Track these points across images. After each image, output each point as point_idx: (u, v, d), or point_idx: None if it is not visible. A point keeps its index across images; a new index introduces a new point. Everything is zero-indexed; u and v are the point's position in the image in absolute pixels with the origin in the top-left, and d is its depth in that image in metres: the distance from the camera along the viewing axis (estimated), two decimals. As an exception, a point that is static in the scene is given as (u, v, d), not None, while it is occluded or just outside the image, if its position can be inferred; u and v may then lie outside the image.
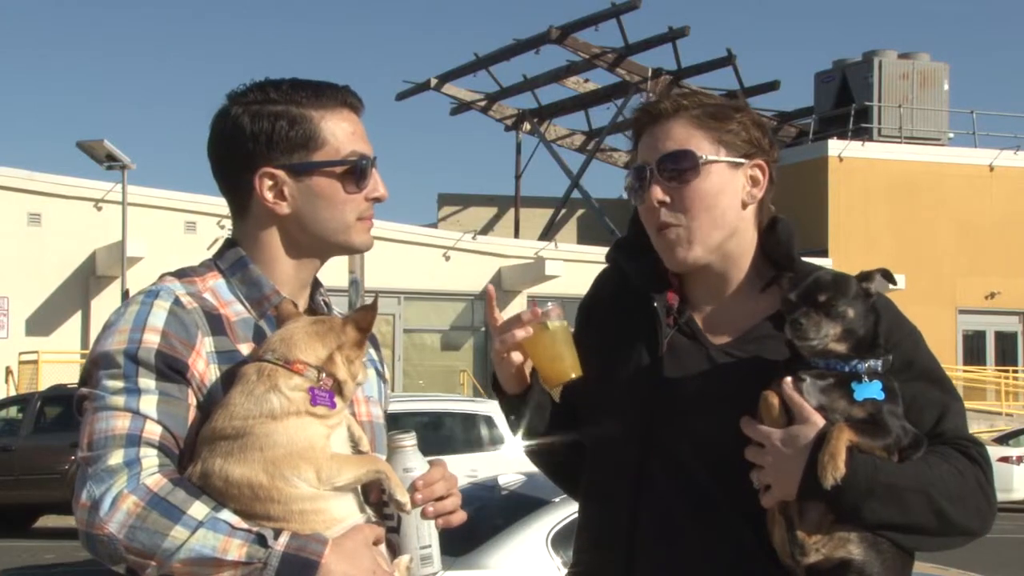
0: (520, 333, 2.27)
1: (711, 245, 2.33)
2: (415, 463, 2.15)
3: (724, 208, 2.32)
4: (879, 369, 2.19)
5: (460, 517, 2.20)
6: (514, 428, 2.43)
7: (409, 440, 2.16)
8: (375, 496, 2.12)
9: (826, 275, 2.24)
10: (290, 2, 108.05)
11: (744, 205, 2.35)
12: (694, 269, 2.36)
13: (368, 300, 2.19)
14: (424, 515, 2.14)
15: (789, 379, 2.19)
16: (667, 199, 2.32)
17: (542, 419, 2.39)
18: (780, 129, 38.69)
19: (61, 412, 17.93)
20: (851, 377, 2.18)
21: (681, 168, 2.30)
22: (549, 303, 2.29)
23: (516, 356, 2.31)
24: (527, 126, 40.97)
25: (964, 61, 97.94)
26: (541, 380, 2.32)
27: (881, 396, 2.17)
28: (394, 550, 2.13)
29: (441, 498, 2.16)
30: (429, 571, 2.14)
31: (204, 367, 2.10)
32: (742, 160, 2.34)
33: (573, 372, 2.29)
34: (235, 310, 2.18)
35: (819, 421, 2.15)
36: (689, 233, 2.32)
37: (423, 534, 2.14)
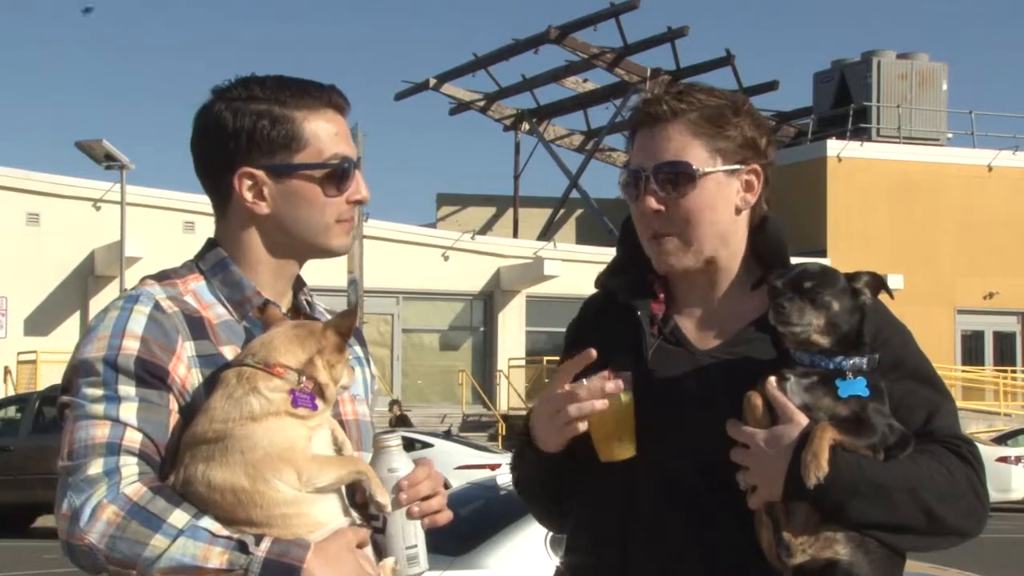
0: (599, 405, 2.19)
1: (705, 254, 2.32)
2: (400, 463, 2.13)
3: (718, 217, 2.31)
4: (864, 367, 2.18)
5: (446, 516, 2.18)
6: (529, 476, 2.39)
7: (394, 440, 2.14)
8: (360, 497, 2.11)
9: (814, 266, 2.24)
10: (290, 2, 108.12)
11: (738, 211, 2.34)
12: (684, 273, 2.36)
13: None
14: (409, 515, 2.12)
15: (772, 379, 2.18)
16: (662, 208, 2.31)
17: (561, 475, 2.35)
18: (779, 129, 38.68)
19: (60, 412, 17.92)
20: (835, 374, 2.17)
21: (677, 180, 2.29)
22: (618, 374, 2.20)
23: (583, 426, 2.22)
24: (526, 126, 40.97)
25: (963, 61, 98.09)
26: (598, 452, 2.25)
27: (866, 393, 2.16)
28: (380, 551, 2.12)
29: (427, 497, 2.14)
30: (416, 571, 2.13)
31: (185, 372, 2.08)
32: (738, 167, 2.32)
33: (629, 453, 2.23)
34: (217, 312, 2.17)
35: (802, 420, 2.14)
36: (684, 243, 2.31)
37: (408, 534, 2.13)
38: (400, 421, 25.02)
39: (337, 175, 2.18)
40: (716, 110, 2.31)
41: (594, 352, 2.23)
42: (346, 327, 2.11)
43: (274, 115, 2.15)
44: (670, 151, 2.30)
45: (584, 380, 2.21)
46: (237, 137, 2.15)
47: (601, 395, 2.19)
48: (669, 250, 2.32)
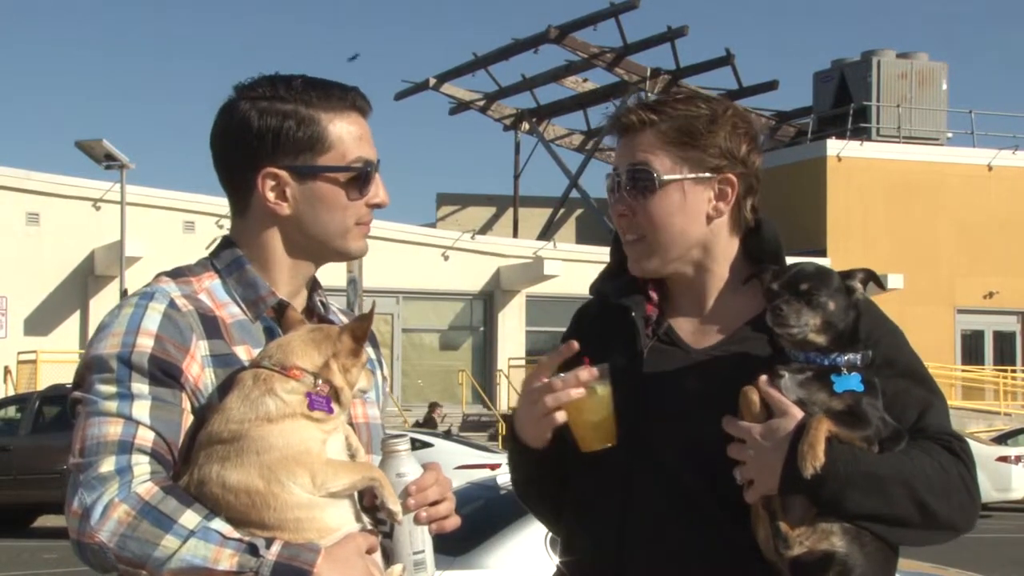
0: (575, 393, 2.22)
1: (670, 258, 2.36)
2: (408, 468, 2.13)
3: (683, 224, 2.34)
4: (858, 363, 2.21)
5: (454, 522, 2.17)
6: (524, 477, 2.42)
7: (403, 444, 2.14)
8: (368, 500, 2.11)
9: (809, 267, 2.26)
10: (290, 2, 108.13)
11: (709, 219, 2.36)
12: (656, 276, 2.40)
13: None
14: (417, 520, 2.11)
15: (764, 376, 2.20)
16: (627, 212, 2.36)
17: (554, 475, 2.38)
18: (779, 129, 38.71)
19: (59, 412, 17.93)
20: (830, 370, 2.20)
21: (639, 185, 2.33)
22: (595, 366, 2.23)
23: (561, 416, 2.24)
24: (526, 126, 40.98)
25: (962, 61, 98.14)
26: (578, 443, 2.27)
27: (860, 388, 2.19)
28: (389, 557, 2.12)
29: (435, 503, 2.14)
30: None
31: (199, 371, 2.08)
32: (707, 175, 2.34)
33: (609, 442, 2.24)
34: (231, 311, 2.16)
35: (797, 413, 2.17)
36: (648, 245, 2.35)
37: (416, 539, 2.12)
38: (426, 423, 25.21)
39: (360, 179, 2.18)
40: (688, 121, 2.34)
41: (576, 344, 2.25)
42: (361, 331, 2.10)
43: (300, 116, 2.15)
44: (636, 158, 2.34)
45: (562, 374, 2.24)
46: (263, 137, 2.15)
47: (576, 384, 2.21)
48: (635, 254, 2.37)
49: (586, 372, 2.22)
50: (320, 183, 2.17)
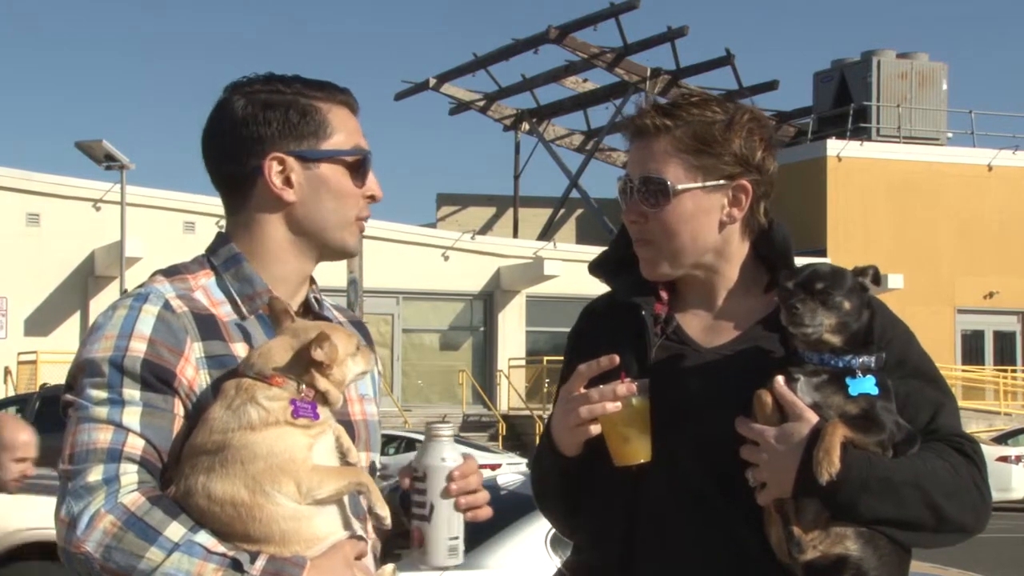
0: (611, 407, 2.22)
1: (681, 264, 2.35)
2: (451, 453, 2.14)
3: (696, 231, 2.33)
4: (873, 365, 2.20)
5: (487, 512, 2.19)
6: (548, 484, 2.41)
7: (447, 431, 2.16)
8: (407, 485, 2.13)
9: (824, 267, 2.25)
10: (290, 2, 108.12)
11: (722, 225, 2.35)
12: (667, 280, 2.39)
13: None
14: (457, 507, 2.13)
15: (781, 377, 2.19)
16: (640, 219, 2.35)
17: (577, 481, 2.37)
18: (779, 129, 38.69)
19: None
20: (845, 373, 2.19)
21: (652, 195, 2.32)
22: (636, 381, 2.23)
23: (595, 428, 2.24)
24: (526, 126, 40.97)
25: (963, 61, 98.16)
26: (612, 456, 2.26)
27: (875, 391, 2.18)
28: (379, 559, 2.12)
29: (473, 492, 2.16)
30: (454, 562, 2.14)
31: (193, 373, 2.06)
32: (722, 182, 2.33)
33: (643, 457, 2.24)
34: (226, 310, 2.15)
35: (812, 418, 2.16)
36: (659, 251, 2.35)
37: (453, 525, 2.14)
38: None
39: (362, 165, 2.21)
40: (704, 127, 2.32)
41: (617, 358, 2.24)
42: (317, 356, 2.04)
43: (301, 105, 2.18)
44: (650, 167, 2.33)
45: (602, 386, 2.23)
46: (269, 124, 2.16)
47: (613, 398, 2.21)
48: (647, 258, 2.37)
49: (623, 387, 2.21)
50: (325, 169, 2.18)
